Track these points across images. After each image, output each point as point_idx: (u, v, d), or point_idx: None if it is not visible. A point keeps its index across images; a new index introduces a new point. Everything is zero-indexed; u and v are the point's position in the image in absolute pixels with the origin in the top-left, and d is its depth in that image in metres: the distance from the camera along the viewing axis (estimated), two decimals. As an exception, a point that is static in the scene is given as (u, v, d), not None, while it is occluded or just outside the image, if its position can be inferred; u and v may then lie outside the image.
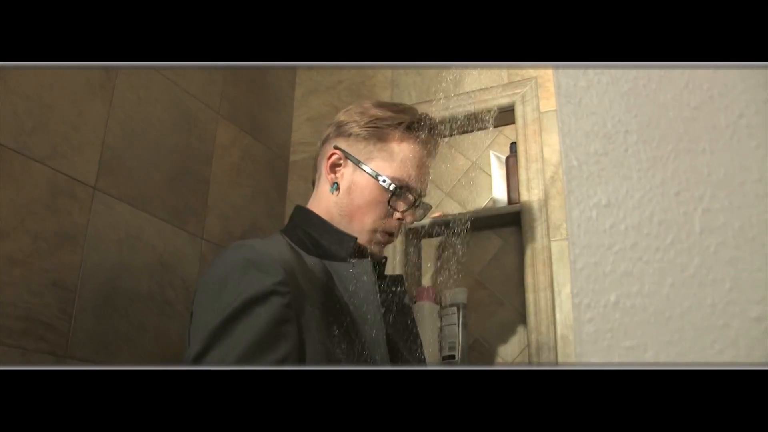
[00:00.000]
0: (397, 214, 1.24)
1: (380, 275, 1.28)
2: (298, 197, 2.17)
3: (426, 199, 1.34)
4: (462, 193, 2.02)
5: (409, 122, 1.25)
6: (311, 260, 1.15)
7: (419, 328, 1.30)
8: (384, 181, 1.21)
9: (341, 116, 1.30)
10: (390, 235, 1.26)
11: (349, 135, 1.25)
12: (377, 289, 1.15)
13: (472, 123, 1.97)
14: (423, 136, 1.25)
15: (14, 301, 1.29)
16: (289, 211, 2.14)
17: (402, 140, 1.24)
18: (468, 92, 1.98)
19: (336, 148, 1.26)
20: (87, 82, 1.52)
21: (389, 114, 1.25)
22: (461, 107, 1.97)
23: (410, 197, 1.25)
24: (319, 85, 2.29)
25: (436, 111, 1.98)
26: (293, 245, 1.18)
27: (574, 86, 0.46)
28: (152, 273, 1.62)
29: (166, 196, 1.71)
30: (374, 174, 1.21)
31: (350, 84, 2.23)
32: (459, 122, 1.96)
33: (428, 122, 1.27)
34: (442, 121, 1.98)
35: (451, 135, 2.03)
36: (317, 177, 1.31)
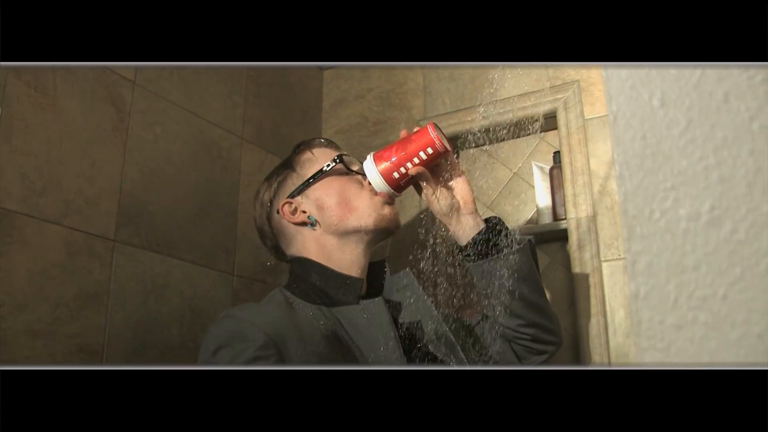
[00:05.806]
0: (360, 176, 1.26)
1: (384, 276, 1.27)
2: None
3: None
4: (504, 205, 1.90)
5: (299, 144, 1.32)
6: (312, 310, 1.13)
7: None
8: (328, 165, 1.23)
9: (256, 201, 1.32)
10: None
11: (275, 195, 1.27)
12: (394, 325, 1.12)
13: (511, 131, 1.84)
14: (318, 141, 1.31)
15: (38, 375, 1.24)
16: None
17: (305, 150, 1.29)
18: (506, 98, 1.83)
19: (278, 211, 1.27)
20: (98, 128, 1.44)
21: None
22: (499, 115, 1.83)
23: (355, 160, 1.28)
24: (347, 95, 2.15)
25: (473, 119, 1.86)
26: (291, 298, 1.16)
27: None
28: (182, 320, 1.55)
29: (191, 236, 1.62)
30: (318, 173, 1.23)
31: (380, 92, 2.09)
32: (499, 130, 1.83)
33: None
34: (481, 130, 1.86)
35: (489, 143, 1.90)
36: (287, 243, 1.28)
